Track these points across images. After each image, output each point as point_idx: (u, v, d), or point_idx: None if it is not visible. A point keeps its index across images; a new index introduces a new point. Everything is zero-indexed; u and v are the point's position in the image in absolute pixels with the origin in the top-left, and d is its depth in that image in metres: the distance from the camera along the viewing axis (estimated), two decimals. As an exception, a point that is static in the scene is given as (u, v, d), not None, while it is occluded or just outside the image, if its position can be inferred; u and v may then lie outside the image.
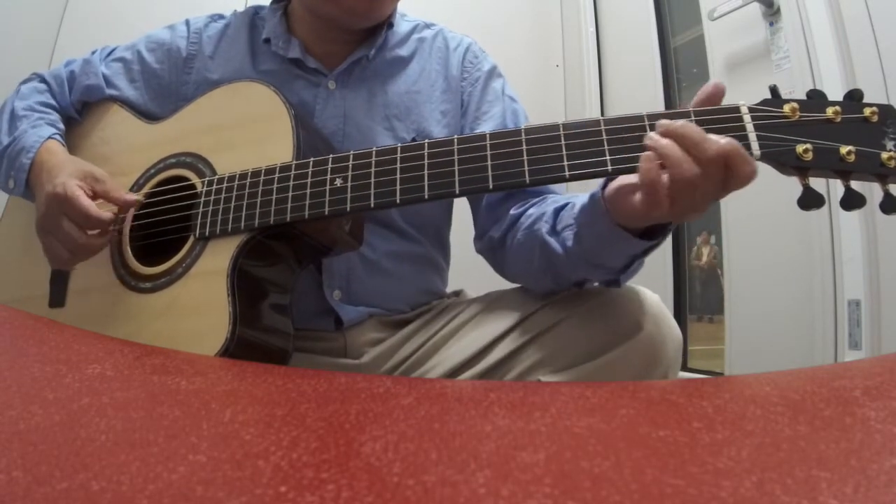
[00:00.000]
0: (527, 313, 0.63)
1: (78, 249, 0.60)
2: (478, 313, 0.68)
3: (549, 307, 0.62)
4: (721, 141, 0.45)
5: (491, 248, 0.72)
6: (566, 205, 0.61)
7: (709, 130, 0.48)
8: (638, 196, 0.48)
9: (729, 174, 0.45)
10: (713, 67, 1.55)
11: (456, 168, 0.53)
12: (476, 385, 0.48)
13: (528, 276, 0.66)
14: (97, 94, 0.76)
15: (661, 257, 1.70)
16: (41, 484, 0.22)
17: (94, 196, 0.61)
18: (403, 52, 0.77)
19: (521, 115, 0.78)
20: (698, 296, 1.71)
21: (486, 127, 0.74)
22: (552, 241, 0.60)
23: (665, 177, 0.45)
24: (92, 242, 0.60)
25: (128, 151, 0.71)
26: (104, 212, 0.60)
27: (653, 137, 0.46)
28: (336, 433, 0.28)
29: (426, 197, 0.53)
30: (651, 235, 0.53)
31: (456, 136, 0.54)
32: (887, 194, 0.48)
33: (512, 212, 0.68)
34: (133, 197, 0.62)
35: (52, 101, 0.76)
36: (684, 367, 1.61)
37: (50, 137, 0.69)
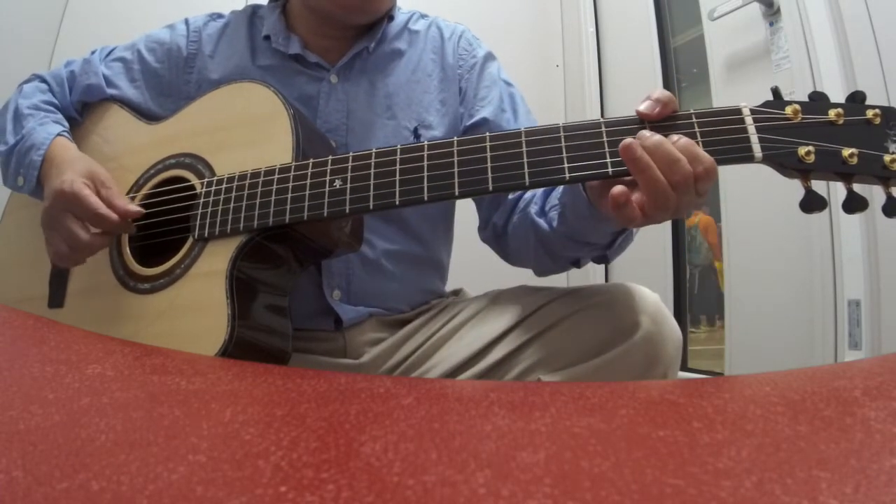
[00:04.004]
0: (526, 313, 0.63)
1: (79, 247, 0.60)
2: (477, 313, 0.68)
3: (548, 307, 0.62)
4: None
5: (495, 235, 0.75)
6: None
7: (710, 132, 0.48)
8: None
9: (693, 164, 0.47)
10: (713, 67, 1.55)
11: (455, 170, 0.52)
12: (476, 385, 0.48)
13: (528, 256, 0.72)
14: (97, 93, 0.76)
15: (661, 257, 1.70)
16: (41, 484, 0.22)
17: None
18: (402, 44, 0.78)
19: (517, 99, 0.79)
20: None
21: (484, 112, 0.76)
22: (541, 221, 0.66)
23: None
24: (94, 241, 0.60)
25: (128, 152, 0.71)
26: (111, 212, 0.60)
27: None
28: (336, 433, 0.28)
29: (426, 199, 0.53)
30: None
31: (455, 138, 0.54)
32: (890, 197, 0.47)
33: (510, 197, 0.72)
34: (134, 208, 0.61)
35: (55, 101, 0.75)
36: (684, 367, 1.61)
37: (59, 135, 0.69)
